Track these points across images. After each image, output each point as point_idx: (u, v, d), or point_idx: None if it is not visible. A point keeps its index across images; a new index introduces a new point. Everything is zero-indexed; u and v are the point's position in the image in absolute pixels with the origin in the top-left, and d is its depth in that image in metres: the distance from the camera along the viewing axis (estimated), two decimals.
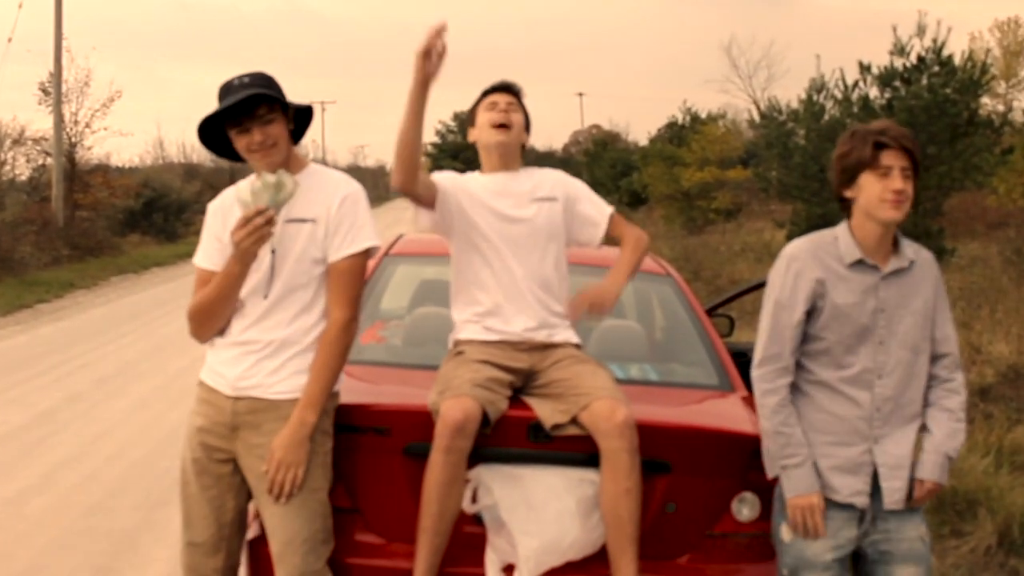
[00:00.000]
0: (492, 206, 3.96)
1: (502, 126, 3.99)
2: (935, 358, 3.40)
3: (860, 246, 3.32)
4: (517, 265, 3.93)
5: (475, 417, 3.48)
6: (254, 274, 3.44)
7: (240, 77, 3.44)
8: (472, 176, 4.11)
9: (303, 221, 3.46)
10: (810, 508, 3.28)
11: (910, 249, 3.39)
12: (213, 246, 3.55)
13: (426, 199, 3.88)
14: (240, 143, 3.44)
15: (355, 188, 3.56)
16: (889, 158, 3.23)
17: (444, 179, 3.98)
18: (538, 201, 4.00)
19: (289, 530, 3.42)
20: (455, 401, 3.49)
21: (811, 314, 3.33)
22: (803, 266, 3.33)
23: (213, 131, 3.51)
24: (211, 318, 3.49)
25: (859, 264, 3.32)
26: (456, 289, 4.04)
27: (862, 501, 3.31)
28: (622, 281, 3.93)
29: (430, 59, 3.55)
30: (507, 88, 4.12)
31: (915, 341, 3.34)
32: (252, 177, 3.41)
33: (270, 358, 3.46)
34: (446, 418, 3.46)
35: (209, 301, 3.45)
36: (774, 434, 3.32)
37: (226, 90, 3.43)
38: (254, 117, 3.40)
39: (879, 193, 3.24)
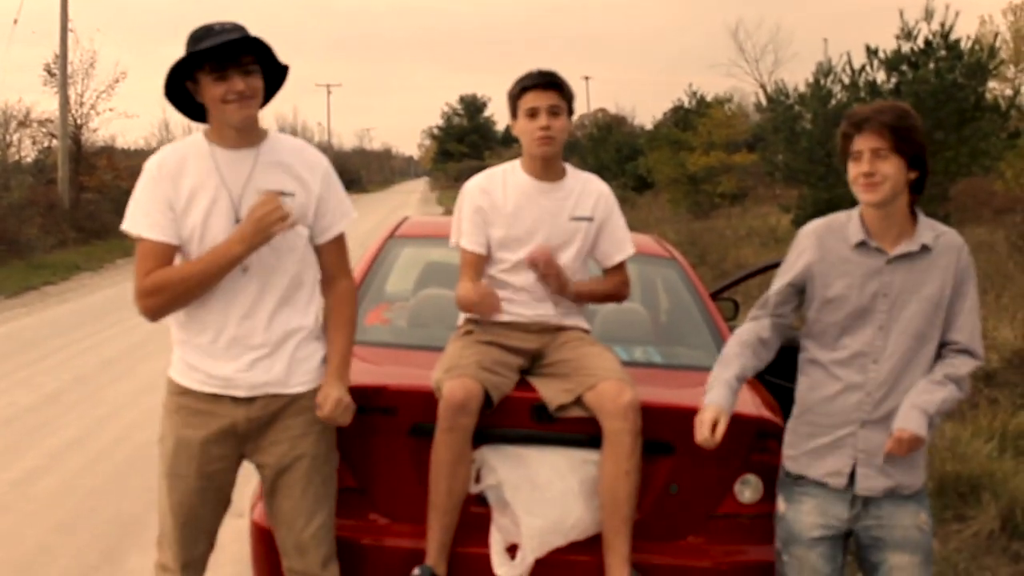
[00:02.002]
0: (528, 216, 3.88)
1: (546, 139, 3.84)
2: (942, 344, 3.30)
3: (866, 229, 3.31)
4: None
5: (476, 396, 3.50)
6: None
7: (221, 23, 3.21)
8: (511, 172, 3.98)
9: (281, 194, 3.27)
10: (700, 421, 3.31)
11: (929, 234, 3.28)
12: (165, 216, 3.22)
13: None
14: (216, 91, 3.17)
15: (326, 160, 3.46)
16: (860, 143, 3.24)
17: (480, 245, 3.91)
18: (575, 220, 3.92)
19: (322, 514, 3.41)
20: (457, 381, 3.52)
21: (804, 295, 3.41)
22: (805, 246, 3.40)
23: (176, 84, 3.26)
24: (186, 299, 3.24)
25: (863, 246, 3.31)
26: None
27: (837, 482, 3.31)
28: (578, 289, 3.90)
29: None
30: (548, 84, 3.87)
31: (920, 329, 3.26)
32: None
33: (277, 351, 3.32)
34: (448, 398, 3.49)
35: (194, 281, 3.21)
36: (720, 358, 3.50)
37: (205, 32, 3.19)
38: (239, 64, 3.18)
39: (854, 178, 3.27)
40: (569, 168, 4.03)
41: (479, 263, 3.91)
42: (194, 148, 3.28)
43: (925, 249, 3.27)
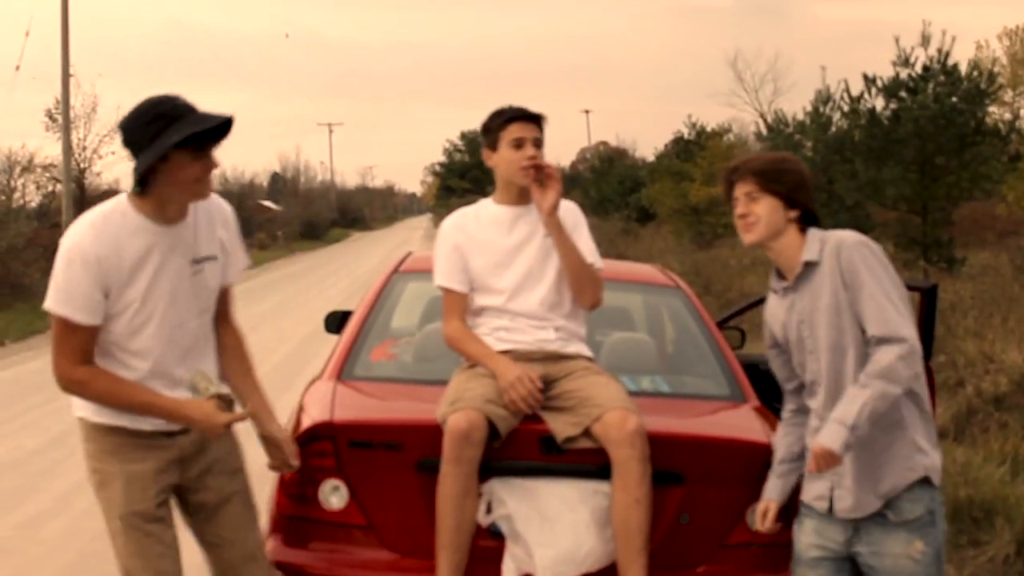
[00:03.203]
0: (501, 245, 3.96)
1: (535, 168, 3.90)
2: (867, 343, 3.25)
3: (777, 272, 3.50)
4: (529, 293, 3.93)
5: (480, 427, 3.50)
6: (175, 309, 3.30)
7: (182, 100, 3.20)
8: (483, 208, 4.08)
9: (212, 259, 3.38)
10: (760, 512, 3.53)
11: (814, 248, 3.35)
12: (95, 300, 3.18)
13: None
14: (192, 170, 3.18)
15: (227, 206, 3.52)
16: (736, 191, 3.43)
17: (461, 283, 3.98)
18: (548, 237, 3.95)
19: (252, 543, 3.47)
20: (461, 413, 3.52)
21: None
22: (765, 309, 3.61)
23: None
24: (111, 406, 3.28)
25: (776, 291, 3.49)
26: (475, 310, 4.03)
27: (821, 505, 3.37)
28: (563, 231, 3.88)
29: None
30: (534, 118, 3.98)
31: (833, 340, 3.28)
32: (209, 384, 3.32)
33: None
34: (451, 429, 3.48)
35: (128, 405, 3.25)
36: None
37: (175, 109, 3.15)
38: (215, 145, 3.25)
39: (736, 222, 3.46)
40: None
41: (461, 301, 3.99)
42: (127, 219, 3.25)
43: (810, 265, 3.35)
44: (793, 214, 3.38)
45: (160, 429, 3.31)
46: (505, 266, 3.94)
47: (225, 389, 3.33)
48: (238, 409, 3.35)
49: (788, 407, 3.58)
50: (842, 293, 3.26)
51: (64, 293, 3.18)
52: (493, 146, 3.98)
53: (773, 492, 3.52)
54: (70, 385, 3.25)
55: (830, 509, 3.34)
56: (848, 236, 3.35)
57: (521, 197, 3.99)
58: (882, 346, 3.18)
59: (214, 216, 3.42)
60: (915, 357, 3.17)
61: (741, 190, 3.41)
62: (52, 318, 3.22)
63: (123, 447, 3.30)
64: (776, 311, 3.49)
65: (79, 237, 3.20)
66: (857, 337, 3.26)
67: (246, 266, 3.58)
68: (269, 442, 3.48)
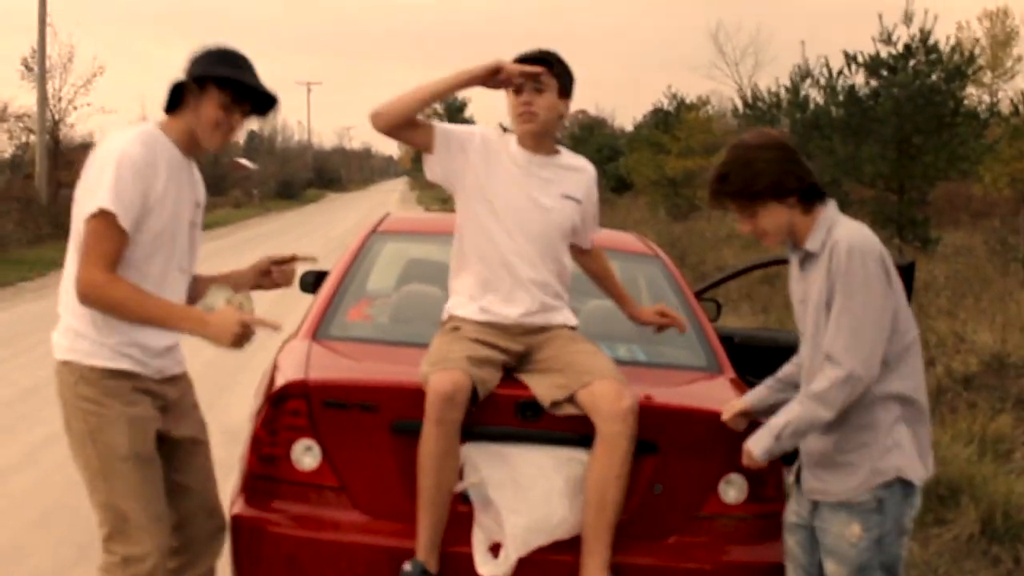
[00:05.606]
0: (519, 183, 3.83)
1: (527, 115, 3.78)
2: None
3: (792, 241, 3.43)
4: (528, 248, 3.82)
5: (464, 388, 3.46)
6: (175, 248, 3.45)
7: (242, 55, 3.44)
8: (509, 141, 3.92)
9: (200, 207, 3.62)
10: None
11: (818, 237, 3.27)
12: (137, 207, 3.28)
13: (419, 141, 3.84)
14: (216, 114, 3.36)
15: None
16: (731, 209, 3.40)
17: (455, 130, 3.85)
18: (565, 198, 3.86)
19: (214, 496, 3.73)
20: (445, 374, 3.47)
21: None
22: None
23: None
24: (118, 316, 3.33)
25: (794, 257, 3.43)
26: (458, 256, 3.93)
27: (791, 480, 3.52)
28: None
29: (497, 78, 3.71)
30: (536, 60, 3.78)
31: (814, 335, 3.28)
32: (228, 293, 3.40)
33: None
34: (436, 389, 3.44)
35: (143, 316, 3.31)
36: None
37: (231, 58, 3.40)
38: (248, 108, 3.46)
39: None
40: (564, 149, 3.99)
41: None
42: (162, 144, 3.40)
43: (812, 255, 3.30)
44: (792, 200, 3.28)
45: (154, 375, 3.42)
46: (519, 212, 3.81)
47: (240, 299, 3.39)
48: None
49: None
50: (825, 295, 3.23)
51: (114, 194, 3.24)
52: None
53: (750, 395, 3.59)
54: (94, 289, 3.28)
55: (796, 481, 3.45)
56: (845, 240, 3.19)
57: (537, 146, 3.86)
58: (827, 365, 3.19)
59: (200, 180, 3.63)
60: (853, 385, 3.13)
61: (734, 211, 3.37)
62: (90, 223, 3.26)
63: (123, 390, 3.37)
64: (793, 275, 3.45)
65: (128, 146, 3.30)
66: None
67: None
68: (260, 271, 3.78)
